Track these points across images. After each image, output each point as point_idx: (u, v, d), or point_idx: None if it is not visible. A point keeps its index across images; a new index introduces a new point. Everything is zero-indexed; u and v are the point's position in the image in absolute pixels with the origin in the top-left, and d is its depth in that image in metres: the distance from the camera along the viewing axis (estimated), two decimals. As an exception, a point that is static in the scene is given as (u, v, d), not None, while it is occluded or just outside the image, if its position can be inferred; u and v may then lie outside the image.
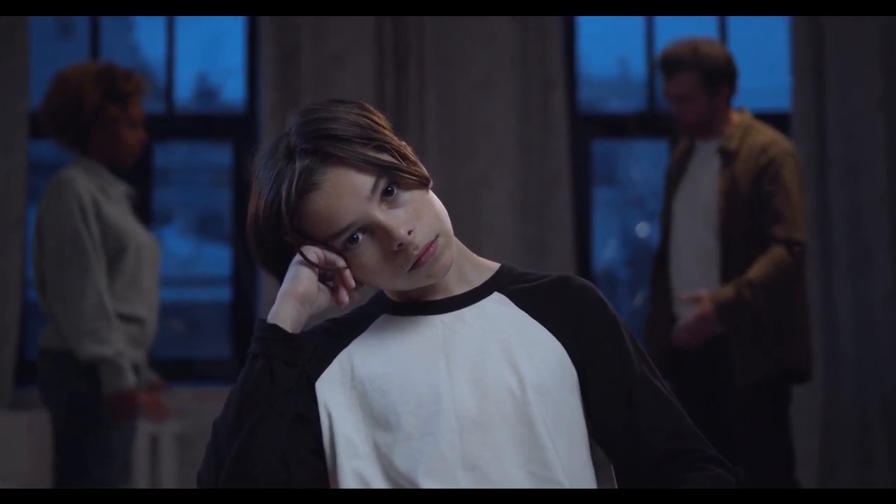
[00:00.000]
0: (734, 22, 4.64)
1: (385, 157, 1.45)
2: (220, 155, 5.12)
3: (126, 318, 3.15)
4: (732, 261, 3.33)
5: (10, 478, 3.86)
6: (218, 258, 5.74)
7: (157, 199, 4.75)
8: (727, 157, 3.38)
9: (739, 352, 3.29)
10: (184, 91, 6.72)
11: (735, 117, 3.45)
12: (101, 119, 3.19)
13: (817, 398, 4.31)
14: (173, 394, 4.10)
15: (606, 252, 7.18)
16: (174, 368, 4.38)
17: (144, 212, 4.16)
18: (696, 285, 3.39)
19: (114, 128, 3.21)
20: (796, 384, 3.41)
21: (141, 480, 4.16)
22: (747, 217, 3.33)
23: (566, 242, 4.41)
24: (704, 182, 3.41)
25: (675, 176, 3.56)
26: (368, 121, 1.47)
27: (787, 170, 3.32)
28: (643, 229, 7.50)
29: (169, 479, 4.19)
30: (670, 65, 3.43)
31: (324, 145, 1.43)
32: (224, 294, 4.88)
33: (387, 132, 1.48)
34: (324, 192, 1.43)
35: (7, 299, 4.16)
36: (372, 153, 1.44)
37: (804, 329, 3.37)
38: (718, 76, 3.40)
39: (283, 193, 1.42)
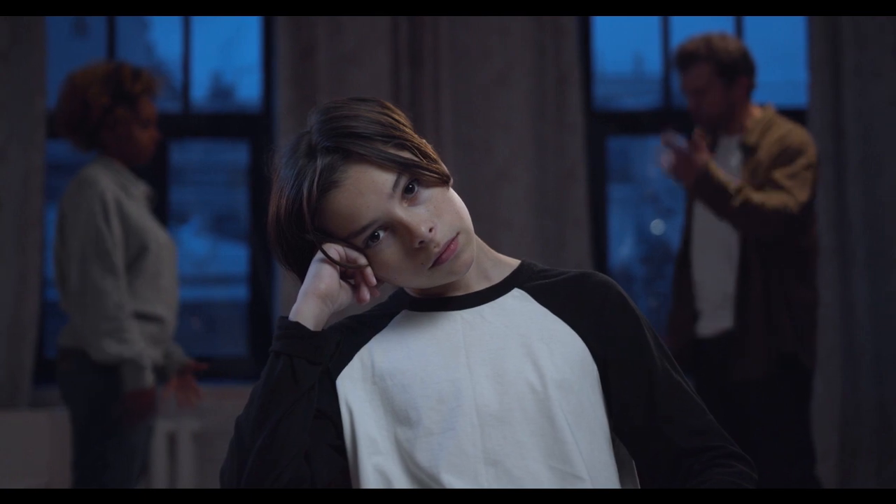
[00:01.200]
0: (750, 16, 4.62)
1: (406, 154, 1.46)
2: (236, 154, 5.13)
3: (146, 317, 3.16)
4: (753, 255, 3.32)
5: (30, 476, 3.87)
6: (234, 257, 5.76)
7: (173, 199, 4.76)
8: (748, 151, 3.38)
9: (746, 345, 3.28)
10: (199, 90, 6.75)
11: (757, 112, 3.45)
12: (110, 121, 3.19)
13: (836, 394, 4.29)
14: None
15: (623, 250, 7.17)
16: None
17: (161, 211, 4.17)
18: (718, 280, 3.38)
19: (124, 129, 3.21)
20: (802, 377, 3.37)
21: (159, 478, 4.17)
22: None
23: (582, 239, 4.40)
24: None
25: None
26: (389, 118, 1.47)
27: (803, 158, 3.31)
28: (658, 226, 7.48)
29: (187, 477, 4.20)
30: (685, 59, 3.45)
31: (345, 143, 1.43)
32: (241, 293, 4.88)
33: (407, 130, 1.48)
34: (345, 190, 1.43)
35: (26, 298, 4.17)
36: (393, 151, 1.45)
37: (809, 321, 3.34)
38: (733, 67, 3.40)
39: (305, 191, 1.43)
